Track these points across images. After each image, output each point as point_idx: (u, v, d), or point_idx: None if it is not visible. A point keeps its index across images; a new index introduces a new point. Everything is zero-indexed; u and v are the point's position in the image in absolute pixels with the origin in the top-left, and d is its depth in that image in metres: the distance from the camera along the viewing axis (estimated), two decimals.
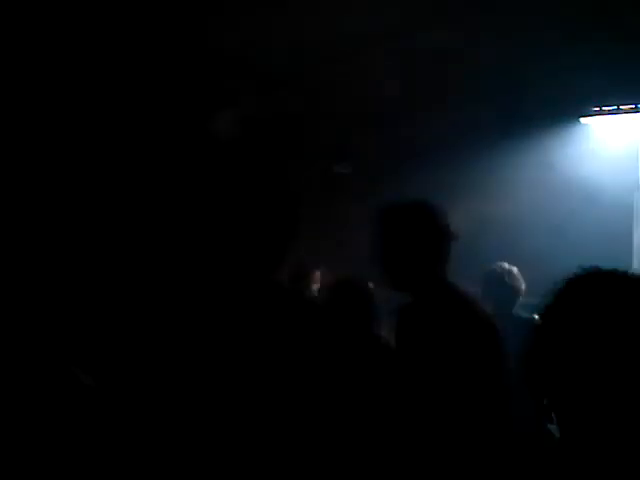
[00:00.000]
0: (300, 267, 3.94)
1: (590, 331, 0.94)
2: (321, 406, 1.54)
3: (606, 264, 1.04)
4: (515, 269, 3.54)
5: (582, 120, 4.94)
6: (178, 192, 3.85)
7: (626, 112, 4.81)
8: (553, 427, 1.07)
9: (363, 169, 5.21)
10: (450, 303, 1.98)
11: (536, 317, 3.44)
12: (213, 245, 1.68)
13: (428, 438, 1.88)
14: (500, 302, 3.34)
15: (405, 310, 2.13)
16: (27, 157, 3.81)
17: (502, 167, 4.80)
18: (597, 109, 4.86)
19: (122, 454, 1.68)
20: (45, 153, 3.91)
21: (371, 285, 3.67)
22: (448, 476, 1.84)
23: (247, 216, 1.63)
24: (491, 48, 3.88)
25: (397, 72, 4.09)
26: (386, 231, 2.05)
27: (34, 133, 3.86)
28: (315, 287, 4.06)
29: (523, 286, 3.50)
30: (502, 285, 3.44)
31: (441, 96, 4.35)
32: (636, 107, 4.76)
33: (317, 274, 4.09)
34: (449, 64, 4.01)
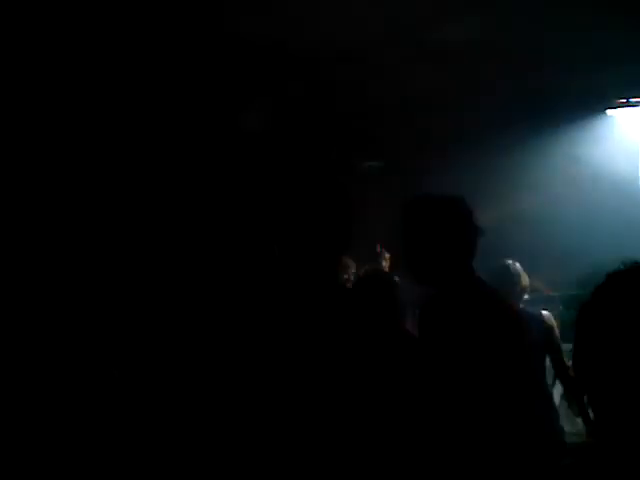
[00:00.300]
0: None
1: (634, 326, 0.93)
2: (357, 397, 1.59)
3: (633, 256, 1.03)
4: (518, 265, 3.55)
5: (608, 112, 4.89)
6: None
7: None
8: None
9: (394, 164, 5.21)
10: (476, 297, 1.98)
11: (543, 312, 3.47)
12: (276, 245, 1.77)
13: (453, 432, 1.89)
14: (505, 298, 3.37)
15: (431, 304, 2.13)
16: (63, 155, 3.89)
17: (529, 160, 4.78)
18: (623, 101, 4.81)
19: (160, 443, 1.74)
20: (82, 149, 3.98)
21: (397, 278, 3.71)
22: (473, 471, 1.85)
23: (308, 218, 1.71)
24: (518, 40, 3.86)
25: (427, 66, 4.07)
26: (413, 224, 2.04)
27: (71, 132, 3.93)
28: (345, 276, 4.08)
29: (527, 282, 3.52)
30: (506, 281, 3.43)
31: (470, 90, 4.33)
32: None
33: (346, 262, 4.11)
34: (478, 58, 3.99)
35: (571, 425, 3.45)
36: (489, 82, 4.32)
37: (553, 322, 3.41)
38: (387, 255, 4.10)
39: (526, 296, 3.53)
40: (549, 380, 3.46)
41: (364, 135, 5.11)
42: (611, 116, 4.92)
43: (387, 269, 4.04)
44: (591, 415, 1.01)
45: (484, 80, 4.28)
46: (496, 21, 3.66)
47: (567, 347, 3.36)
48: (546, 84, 4.39)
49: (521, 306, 3.41)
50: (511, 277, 3.46)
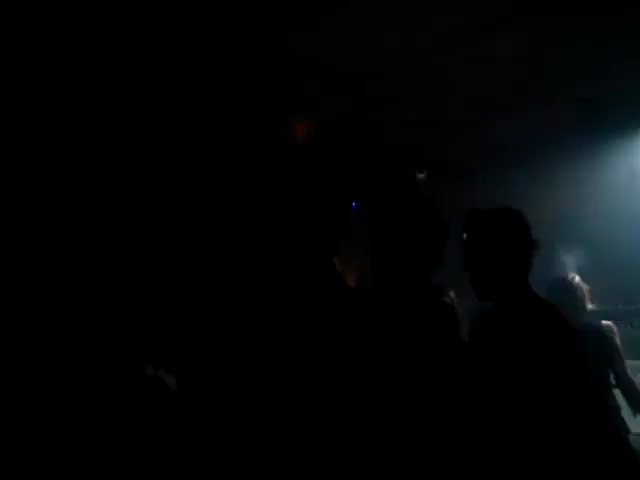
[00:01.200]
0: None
1: None
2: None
3: None
4: (577, 277, 3.51)
5: None
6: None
7: None
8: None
9: (444, 175, 5.21)
10: (534, 311, 1.97)
11: (603, 322, 3.38)
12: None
13: (511, 447, 1.88)
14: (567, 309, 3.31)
15: (485, 318, 2.13)
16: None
17: (584, 172, 4.70)
18: None
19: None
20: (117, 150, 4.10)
21: (452, 294, 3.70)
22: None
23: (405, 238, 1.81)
24: (572, 49, 3.83)
25: (477, 76, 4.07)
26: (472, 238, 2.06)
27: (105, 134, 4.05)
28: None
29: (587, 294, 3.47)
30: (567, 293, 3.40)
31: (522, 100, 4.30)
32: None
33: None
34: (530, 66, 3.97)
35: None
36: (540, 91, 4.28)
37: (614, 332, 3.34)
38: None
39: (590, 306, 3.47)
40: None
41: (413, 147, 5.13)
42: None
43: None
44: None
45: (535, 90, 4.24)
46: (544, 36, 3.65)
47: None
48: (600, 95, 4.33)
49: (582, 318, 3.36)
50: (573, 291, 3.43)
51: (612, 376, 3.31)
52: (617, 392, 3.34)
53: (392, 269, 1.84)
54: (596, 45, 3.75)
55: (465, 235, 2.07)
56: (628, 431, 3.20)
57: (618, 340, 3.33)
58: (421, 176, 5.27)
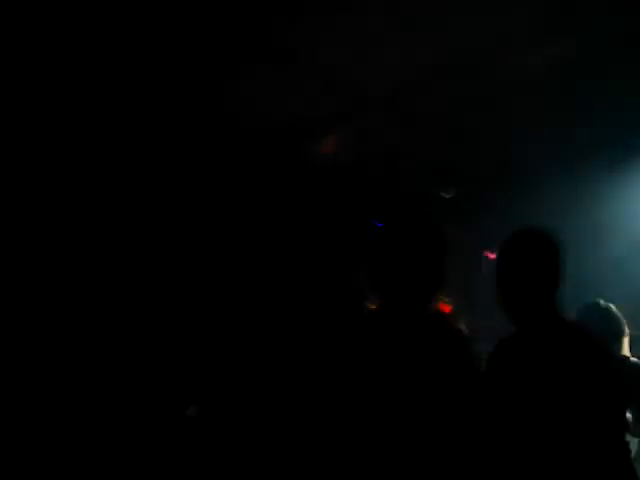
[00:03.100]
0: None
1: None
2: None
3: None
4: (613, 306, 3.21)
5: None
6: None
7: None
8: None
9: (474, 192, 5.16)
10: (565, 334, 1.93)
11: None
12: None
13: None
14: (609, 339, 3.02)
15: (513, 340, 2.08)
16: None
17: (618, 188, 4.60)
18: None
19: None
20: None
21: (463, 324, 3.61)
22: None
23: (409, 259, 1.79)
24: (606, 63, 3.76)
25: (510, 90, 4.01)
26: (502, 261, 2.04)
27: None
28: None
29: (625, 325, 3.16)
30: (602, 325, 3.09)
31: (554, 114, 4.23)
32: None
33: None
34: (561, 80, 3.90)
35: None
36: (574, 105, 4.21)
37: None
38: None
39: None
40: None
41: (438, 164, 5.09)
42: None
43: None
44: None
45: (568, 104, 4.18)
46: (576, 51, 3.59)
47: None
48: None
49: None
50: (606, 320, 3.13)
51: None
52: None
53: (389, 288, 1.83)
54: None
55: (499, 256, 2.06)
56: None
57: None
58: (447, 195, 5.21)
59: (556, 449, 1.76)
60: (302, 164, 4.66)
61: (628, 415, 2.85)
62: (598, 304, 3.23)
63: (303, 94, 4.04)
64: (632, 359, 3.08)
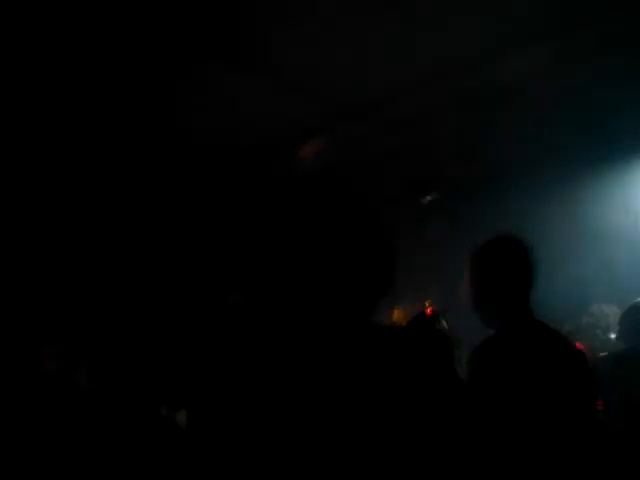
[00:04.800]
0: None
1: None
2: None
3: None
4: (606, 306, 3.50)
5: None
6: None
7: None
8: None
9: (451, 198, 5.23)
10: (540, 336, 2.00)
11: None
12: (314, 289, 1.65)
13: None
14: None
15: (490, 343, 2.14)
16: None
17: (589, 193, 4.71)
18: None
19: None
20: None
21: (444, 322, 3.67)
22: None
23: (348, 262, 1.59)
24: (577, 72, 3.86)
25: (486, 99, 4.10)
26: (475, 268, 2.12)
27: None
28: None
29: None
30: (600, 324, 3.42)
31: (527, 123, 4.32)
32: None
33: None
34: (535, 89, 3.99)
35: None
36: (545, 114, 4.30)
37: None
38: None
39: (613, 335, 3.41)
40: None
41: (418, 170, 5.16)
42: None
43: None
44: None
45: (541, 112, 4.26)
46: (552, 57, 3.67)
47: None
48: (605, 117, 4.34)
49: None
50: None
51: None
52: None
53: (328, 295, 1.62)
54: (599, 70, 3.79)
55: (472, 266, 2.13)
56: None
57: None
58: (428, 199, 5.28)
59: (534, 449, 1.82)
60: (281, 175, 4.71)
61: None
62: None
63: (281, 105, 4.09)
64: None
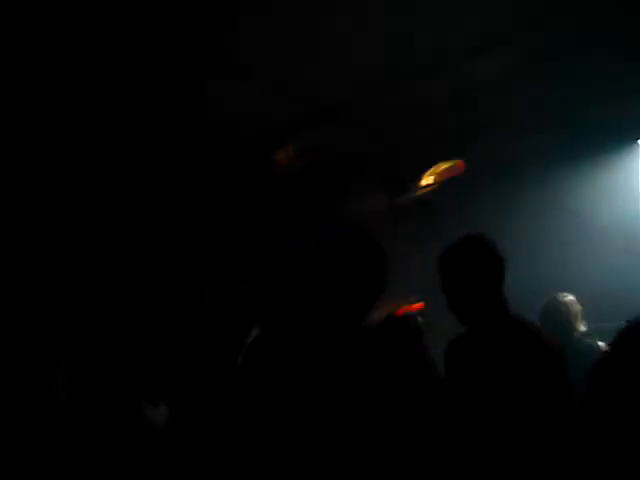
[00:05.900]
0: None
1: None
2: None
3: None
4: (571, 297, 3.61)
5: None
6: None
7: None
8: None
9: (426, 199, 5.27)
10: (513, 332, 2.03)
11: (600, 344, 3.36)
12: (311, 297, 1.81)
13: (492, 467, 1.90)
14: (558, 330, 3.37)
15: (463, 339, 2.18)
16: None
17: (563, 191, 4.77)
18: None
19: None
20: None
21: (420, 319, 3.70)
22: None
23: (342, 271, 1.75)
24: (551, 72, 3.90)
25: (457, 100, 4.12)
26: (443, 270, 2.15)
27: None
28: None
29: (580, 314, 3.56)
30: (559, 313, 3.52)
31: (503, 123, 4.36)
32: None
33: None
34: (511, 90, 4.03)
35: None
36: (521, 114, 4.34)
37: None
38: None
39: (583, 328, 3.55)
40: None
41: (393, 171, 5.18)
42: None
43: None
44: None
45: (517, 113, 4.30)
46: (527, 58, 3.71)
47: None
48: (579, 115, 4.40)
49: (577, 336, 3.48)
50: (562, 309, 3.54)
51: None
52: None
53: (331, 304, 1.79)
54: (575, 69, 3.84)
55: (440, 267, 2.16)
56: None
57: None
58: (403, 201, 5.31)
59: (503, 446, 1.85)
60: (255, 174, 4.71)
61: None
62: (555, 298, 3.64)
63: (256, 106, 4.08)
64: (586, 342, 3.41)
